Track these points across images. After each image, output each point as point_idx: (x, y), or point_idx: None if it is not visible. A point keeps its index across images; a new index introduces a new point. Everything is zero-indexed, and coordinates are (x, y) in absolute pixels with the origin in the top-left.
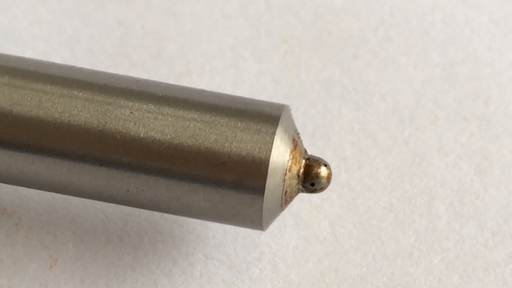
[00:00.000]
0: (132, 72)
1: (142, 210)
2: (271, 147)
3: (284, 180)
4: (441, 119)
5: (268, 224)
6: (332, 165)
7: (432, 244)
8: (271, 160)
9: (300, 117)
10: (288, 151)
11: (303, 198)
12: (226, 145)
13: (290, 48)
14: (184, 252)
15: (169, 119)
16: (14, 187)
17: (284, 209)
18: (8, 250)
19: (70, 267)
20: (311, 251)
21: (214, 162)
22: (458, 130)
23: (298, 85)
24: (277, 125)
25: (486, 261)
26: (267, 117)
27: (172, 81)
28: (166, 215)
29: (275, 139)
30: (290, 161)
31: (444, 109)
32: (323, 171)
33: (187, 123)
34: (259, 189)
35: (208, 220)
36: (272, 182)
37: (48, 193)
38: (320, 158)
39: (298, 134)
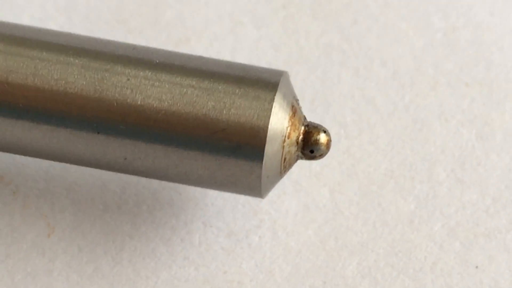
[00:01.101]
0: (130, 38)
1: (140, 178)
2: (270, 114)
3: (283, 147)
4: (442, 84)
5: (267, 191)
6: (332, 132)
7: (433, 210)
8: (269, 126)
9: (300, 83)
10: (287, 117)
11: (302, 165)
12: (224, 111)
13: (289, 14)
14: (183, 220)
15: (167, 86)
16: (11, 155)
17: (283, 176)
18: (6, 219)
19: (68, 235)
20: (311, 218)
21: (212, 129)
22: (459, 95)
23: (297, 51)
24: (276, 91)
25: (488, 228)
26: (266, 83)
27: (170, 47)
28: (164, 183)
29: (273, 106)
30: (289, 128)
31: (444, 74)
32: (322, 137)
33: (185, 89)
34: (257, 156)
35: (207, 187)
36: (271, 149)
37: (46, 161)
38: (319, 125)
39: (297, 100)
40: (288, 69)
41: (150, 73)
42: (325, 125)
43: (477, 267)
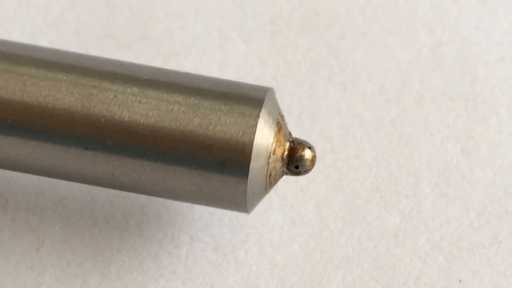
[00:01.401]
0: (119, 53)
1: (128, 193)
2: (255, 130)
3: (268, 163)
4: (427, 99)
5: (252, 206)
6: (318, 146)
7: (417, 225)
8: (255, 143)
9: (287, 97)
10: (272, 134)
11: (288, 180)
12: (210, 128)
13: (277, 29)
14: (170, 234)
15: (153, 102)
16: (1, 169)
17: (268, 192)
18: None
19: (57, 249)
20: (296, 233)
21: (198, 145)
22: (444, 110)
23: (284, 66)
24: (261, 108)
25: (471, 242)
26: (251, 100)
27: (159, 62)
28: (152, 197)
29: (259, 122)
30: (274, 144)
31: (430, 89)
32: (307, 153)
33: (171, 106)
34: (243, 172)
35: (193, 202)
36: (256, 165)
37: (35, 176)
38: (305, 141)
39: (282, 117)
40: (276, 83)
41: (137, 90)
42: (312, 139)
43: (460, 281)
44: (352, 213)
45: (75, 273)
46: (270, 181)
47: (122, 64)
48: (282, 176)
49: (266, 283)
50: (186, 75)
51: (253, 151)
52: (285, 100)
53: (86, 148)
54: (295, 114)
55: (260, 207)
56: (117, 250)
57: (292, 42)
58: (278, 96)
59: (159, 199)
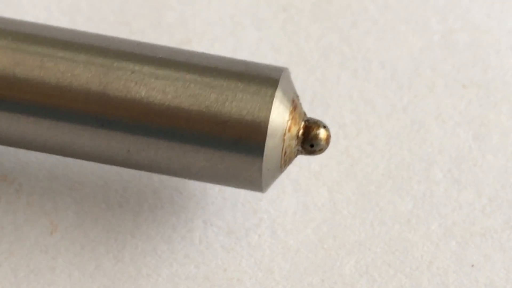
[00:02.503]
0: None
1: (142, 177)
2: (271, 107)
3: (284, 140)
4: (440, 86)
5: (267, 185)
6: (331, 132)
7: (429, 210)
8: (270, 120)
9: (299, 84)
10: (288, 112)
11: (301, 165)
12: (226, 105)
13: (290, 16)
14: (184, 218)
15: (170, 79)
16: (15, 154)
17: (283, 171)
18: (9, 217)
19: (71, 233)
20: (309, 217)
21: (214, 122)
22: (456, 97)
23: (297, 53)
24: (277, 86)
25: (483, 227)
26: (267, 78)
27: None
28: (166, 181)
29: (274, 100)
30: (289, 122)
31: (442, 76)
32: (322, 132)
33: (188, 83)
34: (258, 149)
35: (208, 181)
36: (272, 142)
37: (49, 160)
38: (319, 120)
39: (297, 96)
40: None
41: (153, 67)
42: None
43: (472, 265)
44: (365, 198)
45: (89, 257)
46: (285, 160)
47: (138, 43)
48: (297, 155)
49: (279, 267)
50: (202, 54)
51: (269, 128)
52: (297, 87)
53: (102, 125)
54: (308, 100)
55: (273, 192)
56: (130, 234)
57: (305, 29)
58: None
59: (173, 184)
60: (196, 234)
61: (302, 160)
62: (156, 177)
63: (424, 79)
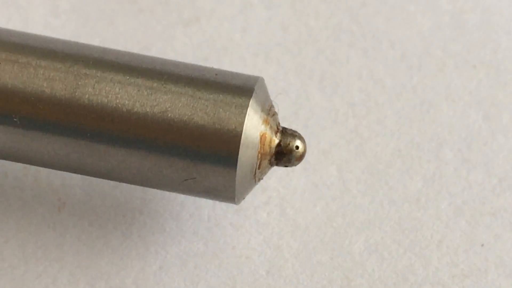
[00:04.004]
0: (140, 18)
1: None
2: (244, 120)
3: (258, 151)
4: (449, 66)
5: (241, 197)
6: (340, 111)
7: (439, 189)
8: (243, 132)
9: (309, 63)
10: (262, 122)
11: (310, 144)
12: (200, 114)
13: None
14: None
15: (140, 87)
16: None
17: (257, 183)
18: (17, 194)
19: (79, 210)
20: (318, 196)
21: (186, 134)
22: (466, 77)
23: (306, 32)
24: (251, 96)
25: (494, 207)
26: (241, 88)
27: (180, 27)
28: None
29: (248, 110)
30: (263, 134)
31: (452, 56)
32: (298, 143)
33: (160, 93)
34: (232, 160)
35: (181, 192)
36: (245, 153)
37: None
38: (295, 131)
39: (272, 107)
40: (298, 49)
41: (123, 75)
42: (333, 104)
43: (482, 245)
44: (374, 177)
45: (97, 234)
46: (260, 171)
47: (107, 50)
48: (271, 167)
49: (288, 245)
50: (175, 63)
51: (242, 139)
52: (307, 66)
53: (66, 134)
54: (317, 79)
55: (282, 170)
56: (139, 211)
57: (314, 8)
58: (299, 61)
59: None
60: (204, 211)
61: (311, 138)
62: None
63: (434, 59)
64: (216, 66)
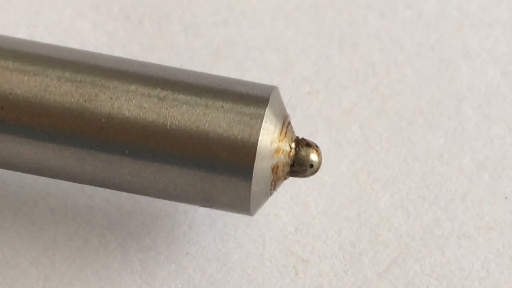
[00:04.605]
0: None
1: None
2: (259, 130)
3: (273, 163)
4: (466, 25)
5: (256, 208)
6: (360, 71)
7: (461, 145)
8: (259, 143)
9: (327, 26)
10: (277, 134)
11: (332, 103)
12: (214, 124)
13: None
14: None
15: (156, 100)
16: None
17: (272, 194)
18: None
19: None
20: (343, 154)
21: (201, 145)
22: (483, 36)
23: None
24: (266, 107)
25: None
26: (256, 97)
27: None
28: None
29: (263, 122)
30: (279, 145)
31: (468, 16)
32: (313, 154)
33: (176, 103)
34: (247, 171)
35: (194, 203)
36: (261, 164)
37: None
38: (311, 142)
39: (287, 116)
40: (316, 12)
41: (138, 86)
42: (353, 65)
43: (506, 197)
44: (397, 135)
45: (125, 196)
46: (275, 182)
47: (125, 60)
48: (286, 178)
49: (315, 202)
50: (189, 72)
51: (257, 152)
52: (325, 28)
53: (79, 145)
54: (336, 41)
55: (306, 130)
56: None
57: None
58: (318, 23)
59: None
60: None
61: (332, 98)
62: None
63: (451, 19)
64: (235, 30)
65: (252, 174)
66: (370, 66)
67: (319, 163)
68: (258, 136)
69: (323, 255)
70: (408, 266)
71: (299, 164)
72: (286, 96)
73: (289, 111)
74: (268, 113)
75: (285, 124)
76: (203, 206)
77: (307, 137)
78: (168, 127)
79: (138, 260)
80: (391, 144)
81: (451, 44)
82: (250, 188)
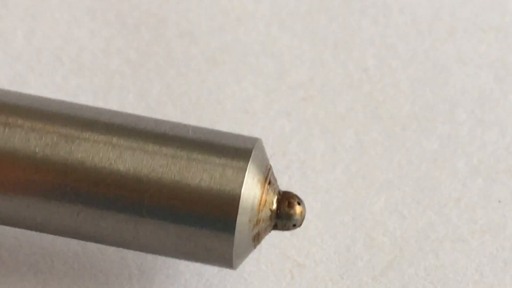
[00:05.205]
0: None
1: None
2: (242, 184)
3: (257, 216)
4: (459, 31)
5: (238, 262)
6: (355, 76)
7: (455, 149)
8: (241, 196)
9: (321, 30)
10: (260, 187)
11: (327, 109)
12: (196, 177)
13: None
14: None
15: (136, 153)
16: None
17: (255, 247)
18: None
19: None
20: (338, 159)
21: (182, 196)
22: (476, 41)
23: (318, 0)
24: (249, 160)
25: (508, 164)
26: (239, 150)
27: None
28: None
29: (246, 175)
30: (262, 197)
31: (461, 21)
32: (297, 208)
33: (155, 157)
34: (230, 225)
35: (175, 257)
36: (243, 218)
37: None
38: (294, 195)
39: (270, 168)
40: (310, 17)
41: (116, 137)
42: (348, 70)
43: (499, 201)
44: (391, 139)
45: None
46: (258, 236)
47: (98, 111)
48: (270, 230)
49: (311, 206)
50: (168, 123)
51: (241, 203)
52: (320, 34)
53: (53, 196)
54: (331, 46)
55: (301, 135)
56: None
57: None
58: (312, 29)
59: None
60: None
61: (327, 103)
62: None
63: (444, 24)
64: (231, 36)
65: (235, 227)
66: (364, 71)
67: (302, 219)
68: (241, 188)
69: (319, 259)
70: (403, 270)
71: (283, 217)
72: (282, 102)
73: (284, 117)
74: (251, 165)
75: (269, 176)
76: (184, 259)
77: (303, 141)
78: (150, 180)
79: (135, 264)
80: (386, 148)
81: (445, 49)
82: (233, 242)
